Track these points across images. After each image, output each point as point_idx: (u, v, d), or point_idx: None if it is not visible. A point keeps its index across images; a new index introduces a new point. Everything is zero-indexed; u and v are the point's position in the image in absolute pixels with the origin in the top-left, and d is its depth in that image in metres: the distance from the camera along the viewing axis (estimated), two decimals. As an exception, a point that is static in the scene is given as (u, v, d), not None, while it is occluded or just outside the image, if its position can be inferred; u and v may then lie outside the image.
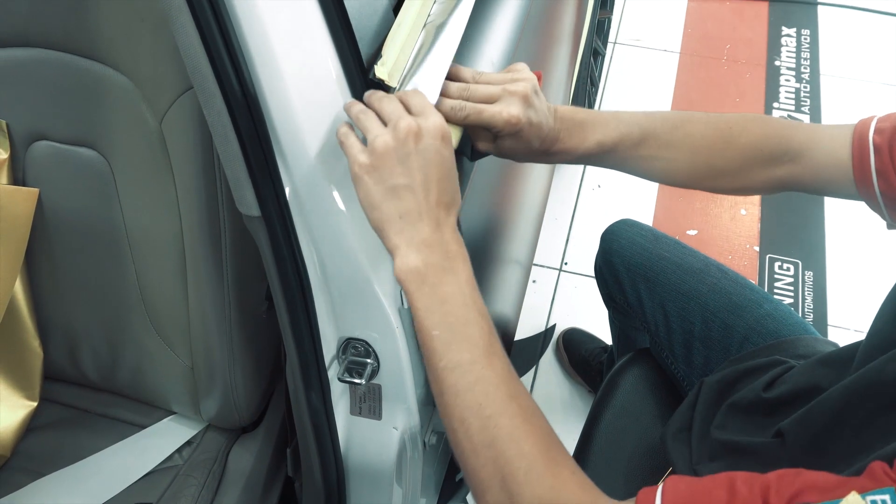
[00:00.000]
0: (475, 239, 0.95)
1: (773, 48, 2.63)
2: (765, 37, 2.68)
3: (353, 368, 0.81)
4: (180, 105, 0.77)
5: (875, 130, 0.81)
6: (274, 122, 0.65)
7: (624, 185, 2.19)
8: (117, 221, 0.90)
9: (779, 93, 2.47)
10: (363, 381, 0.80)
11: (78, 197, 0.90)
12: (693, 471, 0.89)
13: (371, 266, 0.74)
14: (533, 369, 1.81)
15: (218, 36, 0.58)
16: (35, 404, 1.05)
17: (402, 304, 0.79)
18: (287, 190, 0.68)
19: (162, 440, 1.05)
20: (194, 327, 0.93)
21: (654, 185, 2.18)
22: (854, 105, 2.42)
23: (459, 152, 0.77)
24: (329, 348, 0.80)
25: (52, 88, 0.83)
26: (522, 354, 1.84)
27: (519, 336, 1.85)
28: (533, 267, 1.96)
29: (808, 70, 2.55)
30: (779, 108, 2.42)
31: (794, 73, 2.54)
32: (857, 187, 0.82)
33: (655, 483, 0.59)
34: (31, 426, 1.05)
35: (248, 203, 0.67)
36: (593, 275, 1.30)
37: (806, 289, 1.95)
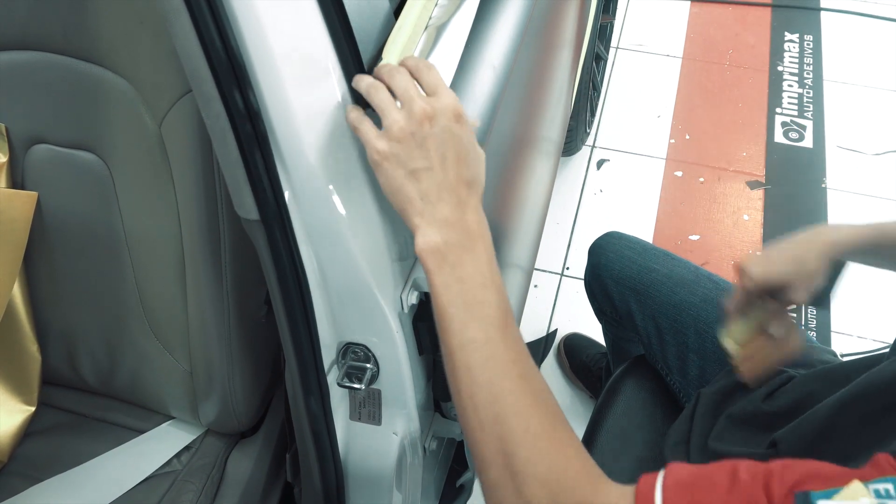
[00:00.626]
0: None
1: (776, 53, 2.63)
2: (767, 42, 2.68)
3: (353, 373, 0.80)
4: (179, 108, 0.77)
5: None
6: (273, 125, 0.64)
7: (626, 190, 2.18)
8: (116, 225, 0.89)
9: (781, 98, 2.47)
10: (363, 386, 0.80)
11: (77, 200, 0.90)
12: None
13: (371, 270, 0.73)
14: (534, 375, 1.80)
15: (216, 38, 0.58)
16: (33, 409, 1.04)
17: (402, 308, 0.78)
18: (287, 194, 0.68)
19: (160, 445, 1.04)
20: (193, 331, 0.93)
21: (657, 190, 2.18)
22: (857, 111, 2.42)
23: None
24: (328, 353, 0.79)
25: (51, 92, 0.83)
26: (524, 359, 1.82)
27: (520, 341, 1.84)
28: (534, 272, 1.96)
29: (810, 75, 2.54)
30: (781, 114, 2.41)
31: (796, 78, 2.54)
32: None
33: None
34: (28, 431, 1.05)
35: (247, 207, 0.67)
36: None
37: (809, 294, 1.94)
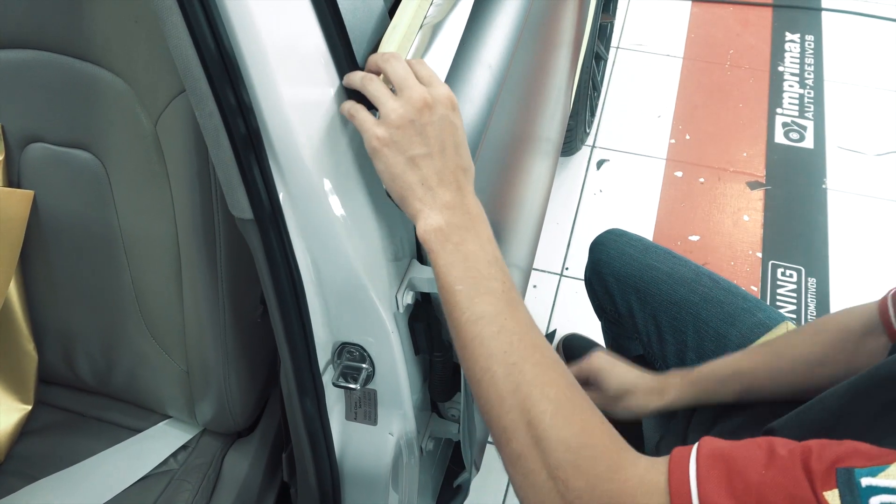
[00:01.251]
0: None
1: (777, 54, 2.63)
2: (768, 42, 2.67)
3: (348, 373, 0.80)
4: (175, 107, 0.77)
5: None
6: (267, 124, 0.64)
7: (626, 190, 2.18)
8: (112, 224, 0.89)
9: (782, 98, 2.46)
10: (358, 386, 0.79)
11: (73, 199, 0.90)
12: None
13: (366, 270, 0.73)
14: (533, 375, 1.80)
15: (209, 36, 0.58)
16: (29, 408, 1.04)
17: (398, 308, 0.78)
18: (281, 195, 0.68)
19: (157, 444, 1.04)
20: (189, 331, 0.92)
21: (657, 190, 2.17)
22: (858, 111, 2.41)
23: None
24: (324, 353, 0.79)
25: (47, 90, 0.83)
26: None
27: (519, 341, 1.83)
28: (533, 272, 1.95)
29: (811, 76, 2.54)
30: (782, 114, 2.41)
31: (797, 78, 2.53)
32: None
33: None
34: (25, 430, 1.05)
35: (241, 206, 0.67)
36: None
37: (809, 296, 1.94)
